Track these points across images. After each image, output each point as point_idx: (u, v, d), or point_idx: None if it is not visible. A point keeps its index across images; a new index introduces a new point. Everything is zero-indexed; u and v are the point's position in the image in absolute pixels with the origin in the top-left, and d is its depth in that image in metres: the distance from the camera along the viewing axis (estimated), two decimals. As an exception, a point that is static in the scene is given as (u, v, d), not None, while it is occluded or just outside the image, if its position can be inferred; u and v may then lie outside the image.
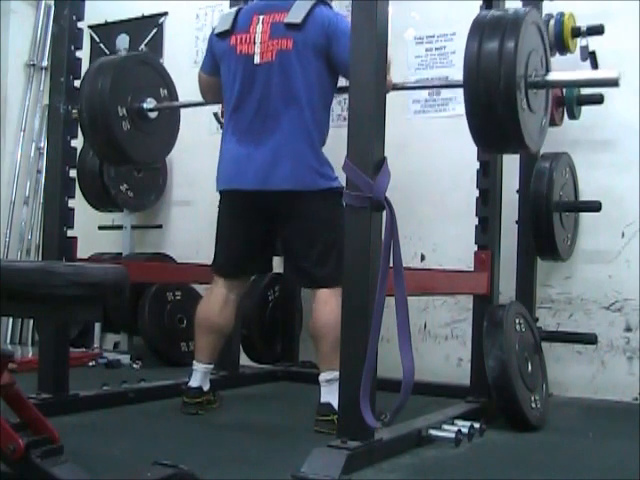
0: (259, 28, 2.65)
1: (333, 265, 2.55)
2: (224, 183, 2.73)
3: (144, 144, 3.05)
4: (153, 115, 3.06)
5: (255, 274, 3.15)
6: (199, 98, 3.03)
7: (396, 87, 2.63)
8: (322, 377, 2.56)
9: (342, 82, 2.70)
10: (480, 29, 2.19)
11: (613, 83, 2.29)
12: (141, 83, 3.04)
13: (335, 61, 2.59)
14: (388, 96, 2.18)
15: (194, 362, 2.83)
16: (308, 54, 2.59)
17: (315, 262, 2.62)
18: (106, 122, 2.85)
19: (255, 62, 2.63)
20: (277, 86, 2.60)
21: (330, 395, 2.47)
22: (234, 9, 2.84)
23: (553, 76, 2.35)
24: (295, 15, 2.60)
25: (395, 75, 2.59)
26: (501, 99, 2.14)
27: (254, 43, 2.65)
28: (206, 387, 2.82)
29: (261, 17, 2.67)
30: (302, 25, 2.58)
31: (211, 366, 2.86)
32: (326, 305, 2.56)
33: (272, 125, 2.60)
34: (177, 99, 3.25)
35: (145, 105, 3.01)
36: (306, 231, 2.63)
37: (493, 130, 2.22)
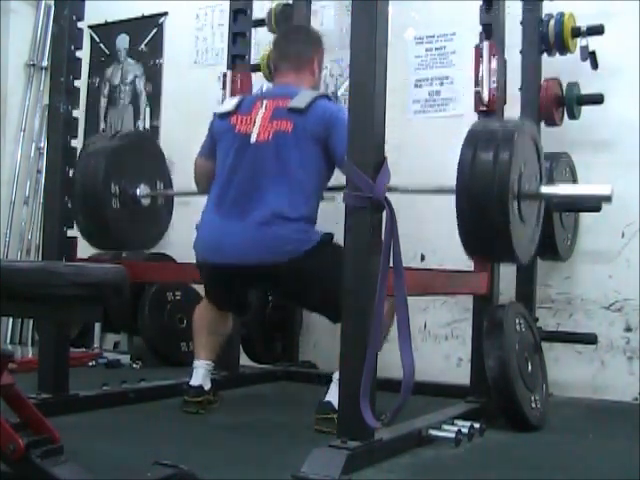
0: (261, 111, 2.70)
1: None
2: (203, 257, 2.70)
3: (134, 230, 3.13)
4: (146, 202, 3.13)
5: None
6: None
7: None
8: (336, 375, 2.49)
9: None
10: (475, 139, 2.28)
11: (606, 199, 2.40)
12: (136, 169, 3.09)
13: (332, 151, 2.60)
14: (388, 96, 2.18)
15: (194, 361, 2.84)
16: (306, 139, 2.61)
17: (320, 308, 2.67)
18: (98, 205, 2.92)
19: (251, 141, 2.66)
20: (269, 164, 2.61)
21: (334, 395, 2.45)
22: (239, 96, 2.91)
23: (547, 189, 2.49)
24: (299, 101, 2.64)
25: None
26: (493, 207, 2.20)
27: (253, 124, 2.68)
28: (207, 386, 2.82)
29: (265, 102, 2.72)
30: (304, 111, 2.62)
31: (211, 363, 2.86)
32: None
33: (257, 199, 2.58)
34: (172, 187, 3.32)
35: (138, 192, 3.06)
36: (297, 291, 2.67)
37: (483, 238, 2.30)
